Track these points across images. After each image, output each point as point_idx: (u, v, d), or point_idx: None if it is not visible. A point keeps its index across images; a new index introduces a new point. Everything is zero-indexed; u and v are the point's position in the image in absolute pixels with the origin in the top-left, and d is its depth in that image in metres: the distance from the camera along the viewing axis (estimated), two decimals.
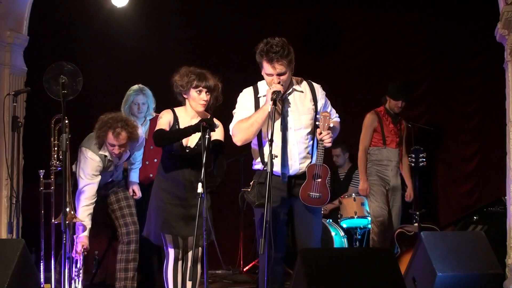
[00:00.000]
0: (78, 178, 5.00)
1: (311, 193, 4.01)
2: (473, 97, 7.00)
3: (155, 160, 5.59)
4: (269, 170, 3.72)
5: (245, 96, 4.14)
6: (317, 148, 4.03)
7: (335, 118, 4.21)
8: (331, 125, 4.02)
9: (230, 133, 4.09)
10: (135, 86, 5.65)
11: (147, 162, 5.65)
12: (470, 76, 7.02)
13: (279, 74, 3.94)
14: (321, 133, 3.94)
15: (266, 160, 3.84)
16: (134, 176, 5.49)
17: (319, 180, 4.00)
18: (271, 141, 3.75)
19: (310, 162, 4.09)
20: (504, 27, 5.18)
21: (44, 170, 5.10)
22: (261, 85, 4.13)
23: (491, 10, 5.46)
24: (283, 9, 7.27)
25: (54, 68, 4.80)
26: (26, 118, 5.71)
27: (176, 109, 4.47)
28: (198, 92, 4.35)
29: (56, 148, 5.06)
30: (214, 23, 7.29)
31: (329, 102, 4.22)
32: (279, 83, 3.94)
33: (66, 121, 4.68)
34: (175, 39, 7.30)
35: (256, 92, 4.12)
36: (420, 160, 5.18)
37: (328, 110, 4.16)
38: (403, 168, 6.35)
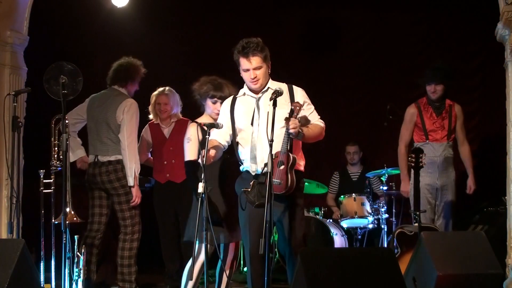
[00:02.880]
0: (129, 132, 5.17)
1: (274, 180, 3.97)
2: (473, 97, 7.00)
3: (173, 161, 5.67)
4: (269, 170, 3.76)
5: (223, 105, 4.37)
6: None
7: (316, 121, 4.23)
8: (301, 115, 4.06)
9: None
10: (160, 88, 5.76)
11: (165, 162, 5.70)
12: (470, 76, 7.02)
13: (255, 69, 4.10)
14: (287, 120, 3.95)
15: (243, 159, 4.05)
16: None
17: (282, 167, 4.00)
18: (271, 141, 3.81)
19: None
20: (504, 27, 5.19)
21: (44, 170, 5.11)
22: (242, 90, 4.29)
23: (491, 10, 5.45)
24: (283, 9, 7.27)
25: (54, 68, 4.81)
26: (26, 118, 5.70)
27: (198, 120, 4.56)
28: (213, 102, 4.55)
29: (56, 148, 5.08)
30: (214, 23, 7.29)
31: (312, 106, 4.25)
32: (255, 77, 4.10)
33: (66, 121, 4.69)
34: (175, 39, 7.30)
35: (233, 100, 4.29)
36: (420, 160, 5.17)
37: (308, 113, 4.19)
38: (462, 157, 5.96)
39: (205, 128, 4.01)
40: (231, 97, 4.32)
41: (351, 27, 7.32)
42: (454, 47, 7.07)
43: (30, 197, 5.64)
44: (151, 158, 5.92)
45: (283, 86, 4.20)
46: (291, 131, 3.93)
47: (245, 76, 4.18)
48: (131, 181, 5.20)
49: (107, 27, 6.90)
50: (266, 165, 3.88)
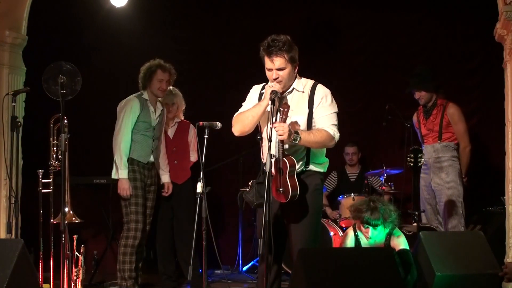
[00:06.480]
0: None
1: (278, 188, 3.88)
2: (473, 97, 7.00)
3: (175, 162, 5.68)
4: (268, 170, 3.72)
5: (252, 91, 4.17)
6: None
7: (325, 127, 3.99)
8: (291, 118, 3.87)
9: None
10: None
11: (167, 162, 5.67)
12: (470, 76, 7.02)
13: (278, 69, 3.91)
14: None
15: (264, 160, 3.84)
16: None
17: (282, 174, 3.86)
18: (270, 141, 3.75)
19: (303, 163, 4.02)
20: (503, 27, 5.19)
21: (43, 170, 5.11)
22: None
23: (491, 10, 5.45)
24: (282, 9, 7.27)
25: (53, 68, 4.81)
26: (25, 118, 5.70)
27: None
28: None
29: (55, 148, 5.08)
30: (214, 23, 7.29)
31: (326, 110, 4.01)
32: (277, 78, 3.91)
33: (65, 121, 4.69)
34: (175, 39, 7.30)
35: (263, 88, 4.09)
36: (419, 160, 5.17)
37: (319, 115, 3.99)
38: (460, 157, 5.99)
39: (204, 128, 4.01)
40: (261, 85, 4.12)
41: (350, 26, 7.31)
42: (453, 47, 7.07)
43: (28, 197, 5.65)
44: None
45: (308, 85, 4.05)
46: (278, 137, 3.75)
47: (268, 75, 3.98)
48: (113, 173, 5.19)
49: (106, 27, 6.90)
50: (265, 164, 3.85)
